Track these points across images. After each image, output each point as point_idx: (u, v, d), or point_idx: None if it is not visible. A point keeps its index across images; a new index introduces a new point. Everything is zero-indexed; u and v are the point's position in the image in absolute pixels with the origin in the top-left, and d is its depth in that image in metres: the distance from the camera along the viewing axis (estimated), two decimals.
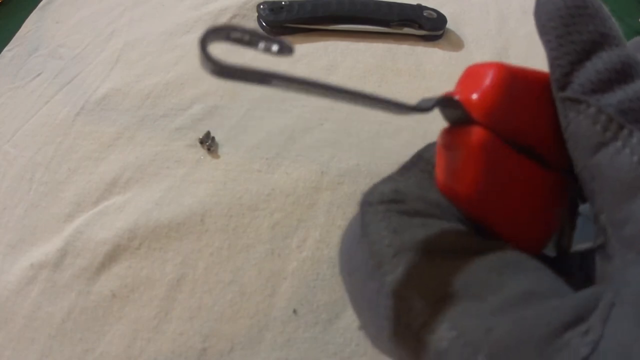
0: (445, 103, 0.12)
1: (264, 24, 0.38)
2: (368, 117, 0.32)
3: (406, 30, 0.38)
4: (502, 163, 0.12)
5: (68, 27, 0.39)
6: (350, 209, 0.28)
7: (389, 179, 0.14)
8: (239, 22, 0.39)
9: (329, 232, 0.27)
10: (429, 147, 0.15)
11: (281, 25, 0.38)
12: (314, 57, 0.37)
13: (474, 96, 0.12)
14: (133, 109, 0.33)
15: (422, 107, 0.12)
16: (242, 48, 0.11)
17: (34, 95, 0.34)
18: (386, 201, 0.13)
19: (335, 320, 0.24)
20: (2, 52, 0.37)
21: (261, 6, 0.38)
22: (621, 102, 0.11)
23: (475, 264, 0.12)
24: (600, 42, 0.12)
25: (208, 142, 0.30)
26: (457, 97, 0.12)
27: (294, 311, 0.24)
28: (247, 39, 0.10)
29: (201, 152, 0.30)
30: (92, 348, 0.23)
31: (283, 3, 0.38)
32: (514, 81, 0.12)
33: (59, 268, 0.25)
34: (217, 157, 0.30)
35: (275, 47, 0.11)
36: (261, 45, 0.11)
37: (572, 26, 0.12)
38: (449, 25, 0.39)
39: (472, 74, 0.13)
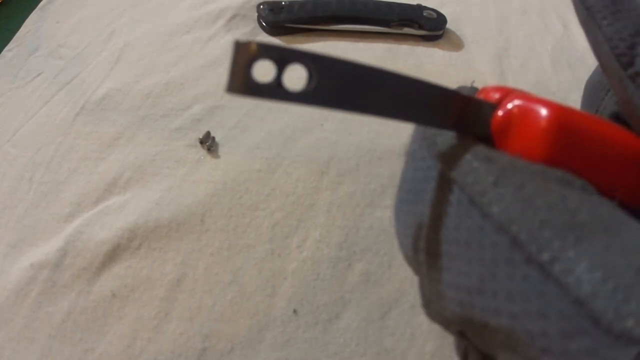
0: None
1: (264, 23, 0.38)
2: (368, 117, 0.32)
3: (406, 30, 0.38)
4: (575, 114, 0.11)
5: (68, 27, 0.39)
6: (350, 209, 0.28)
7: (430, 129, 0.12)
8: (239, 22, 0.39)
9: (329, 232, 0.27)
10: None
11: (281, 26, 0.38)
12: None
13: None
14: (133, 109, 0.33)
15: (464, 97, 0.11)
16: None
17: (34, 95, 0.34)
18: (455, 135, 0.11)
19: (335, 320, 0.24)
20: (2, 52, 0.37)
21: (261, 6, 0.38)
22: None
23: (595, 198, 0.09)
24: None
25: (208, 142, 0.30)
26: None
27: (294, 311, 0.24)
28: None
29: (201, 152, 0.30)
30: (92, 348, 0.23)
31: (283, 3, 0.38)
32: (568, 131, 0.11)
33: (59, 268, 0.25)
34: (217, 157, 0.30)
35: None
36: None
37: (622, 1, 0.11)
38: (449, 25, 0.39)
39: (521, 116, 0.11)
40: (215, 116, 0.32)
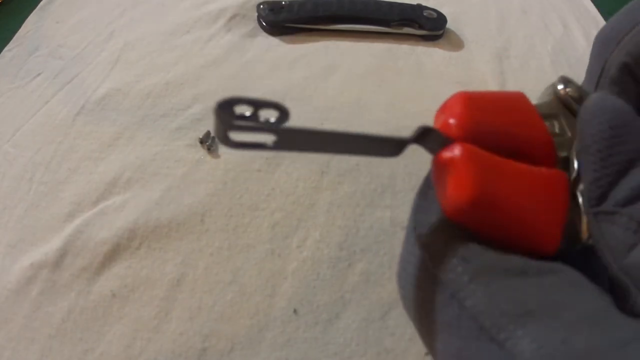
0: (423, 132, 0.13)
1: (264, 23, 0.38)
2: (368, 117, 0.32)
3: (406, 30, 0.38)
4: (494, 168, 0.13)
5: (68, 27, 0.39)
6: (350, 209, 0.28)
7: (422, 208, 0.15)
8: (239, 21, 0.39)
9: (329, 232, 0.27)
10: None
11: (281, 25, 0.38)
12: (314, 57, 0.37)
13: (448, 119, 0.13)
14: (133, 109, 0.33)
15: (403, 140, 0.13)
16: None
17: (34, 95, 0.34)
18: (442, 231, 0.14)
19: (335, 320, 0.24)
20: (2, 52, 0.37)
21: (261, 6, 0.38)
22: None
23: (545, 284, 0.13)
24: (636, 158, 0.13)
25: (208, 142, 0.30)
26: (432, 126, 0.13)
27: (294, 311, 0.24)
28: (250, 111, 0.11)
29: (201, 151, 0.30)
30: (92, 348, 0.23)
31: (283, 3, 0.38)
32: (475, 99, 0.14)
33: (58, 268, 0.25)
34: (217, 156, 0.30)
35: (272, 118, 0.12)
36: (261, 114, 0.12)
37: (613, 147, 0.13)
38: (449, 25, 0.39)
39: (440, 110, 0.14)
40: None
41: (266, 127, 0.11)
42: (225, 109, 0.11)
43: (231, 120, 0.11)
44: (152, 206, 0.27)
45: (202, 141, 0.30)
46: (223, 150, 0.30)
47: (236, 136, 0.11)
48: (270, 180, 0.29)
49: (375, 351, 0.23)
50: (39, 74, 0.36)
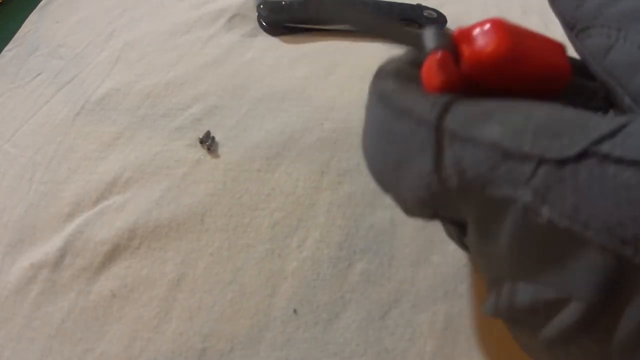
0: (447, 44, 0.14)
1: (264, 23, 0.38)
2: None
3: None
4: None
5: (68, 27, 0.39)
6: (350, 209, 0.28)
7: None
8: (239, 21, 0.39)
9: (329, 232, 0.27)
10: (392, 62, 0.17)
11: (281, 25, 0.38)
12: (314, 57, 0.37)
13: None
14: (133, 109, 0.33)
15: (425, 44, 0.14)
16: None
17: (33, 95, 0.34)
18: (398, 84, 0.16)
19: (335, 320, 0.24)
20: (2, 52, 0.37)
21: (261, 6, 0.38)
22: (619, 13, 0.15)
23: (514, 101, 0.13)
24: None
25: (208, 142, 0.30)
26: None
27: (294, 311, 0.24)
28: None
29: (201, 151, 0.30)
30: (92, 348, 0.23)
31: (283, 3, 0.38)
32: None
33: (58, 268, 0.25)
34: (217, 156, 0.30)
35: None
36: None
37: None
38: (449, 25, 0.39)
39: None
40: (215, 116, 0.32)
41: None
42: None
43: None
44: (152, 206, 0.27)
45: (202, 141, 0.30)
46: (223, 150, 0.30)
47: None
48: (270, 180, 0.29)
49: (376, 351, 0.23)
50: (39, 74, 0.36)
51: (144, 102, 0.33)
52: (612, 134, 0.11)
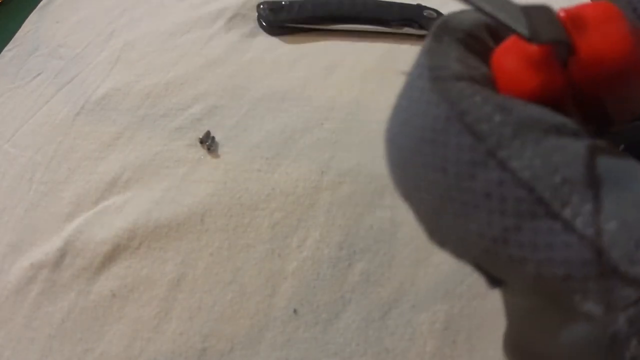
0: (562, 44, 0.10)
1: (264, 23, 0.38)
2: (368, 117, 0.32)
3: (406, 30, 0.38)
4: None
5: (68, 27, 0.39)
6: (350, 209, 0.28)
7: (436, 51, 0.11)
8: (239, 21, 0.39)
9: (329, 232, 0.27)
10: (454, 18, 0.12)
11: (281, 25, 0.38)
12: (314, 57, 0.36)
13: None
14: (133, 109, 0.33)
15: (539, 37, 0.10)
16: None
17: (34, 95, 0.34)
18: (466, 77, 0.11)
19: (335, 320, 0.24)
20: (2, 52, 0.37)
21: (261, 6, 0.38)
22: None
23: (607, 149, 0.10)
24: None
25: (208, 142, 0.30)
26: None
27: (294, 311, 0.24)
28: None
29: (201, 151, 0.30)
30: (92, 348, 0.23)
31: (283, 3, 0.38)
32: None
33: (58, 268, 0.25)
34: (217, 156, 0.30)
35: None
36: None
37: None
38: None
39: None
40: (215, 116, 0.32)
41: None
42: None
43: None
44: (152, 206, 0.27)
45: (202, 141, 0.30)
46: (223, 150, 0.30)
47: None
48: (270, 180, 0.29)
49: (376, 351, 0.23)
50: (39, 74, 0.36)
51: (144, 102, 0.33)
52: None
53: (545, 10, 0.10)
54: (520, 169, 0.09)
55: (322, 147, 0.30)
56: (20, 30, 0.39)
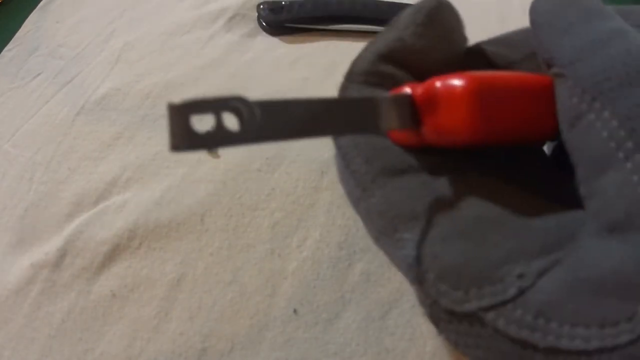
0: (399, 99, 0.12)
1: (264, 23, 0.38)
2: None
3: None
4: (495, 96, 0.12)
5: (68, 27, 0.39)
6: (350, 209, 0.28)
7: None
8: (239, 22, 0.39)
9: (329, 232, 0.27)
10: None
11: (281, 25, 0.38)
12: (314, 57, 0.37)
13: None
14: (133, 109, 0.33)
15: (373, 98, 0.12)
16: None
17: (33, 95, 0.34)
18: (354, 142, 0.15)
19: (335, 320, 0.24)
20: (2, 52, 0.37)
21: (261, 6, 0.38)
22: (600, 69, 0.11)
23: (443, 183, 0.13)
24: (583, 17, 0.13)
25: None
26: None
27: (294, 311, 0.24)
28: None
29: (201, 152, 0.30)
30: (92, 348, 0.23)
31: (283, 3, 0.38)
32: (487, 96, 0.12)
33: (58, 268, 0.25)
34: (217, 156, 0.30)
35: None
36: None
37: (556, 10, 0.13)
38: None
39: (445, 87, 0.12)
40: None
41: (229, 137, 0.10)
42: (185, 117, 0.09)
43: (190, 129, 0.10)
44: (152, 206, 0.28)
45: None
46: (223, 150, 0.30)
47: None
48: (270, 180, 0.29)
49: (375, 351, 0.23)
50: (39, 74, 0.36)
51: (144, 102, 0.33)
52: (505, 302, 0.11)
53: (398, 101, 0.12)
54: (376, 203, 0.13)
55: (322, 147, 0.30)
56: (20, 30, 0.39)
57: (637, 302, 0.10)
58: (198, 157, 0.30)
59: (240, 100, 0.10)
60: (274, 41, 0.38)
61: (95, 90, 0.34)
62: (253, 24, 0.39)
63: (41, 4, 0.41)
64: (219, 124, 0.10)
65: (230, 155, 0.30)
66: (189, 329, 0.24)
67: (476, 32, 0.42)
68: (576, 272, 0.11)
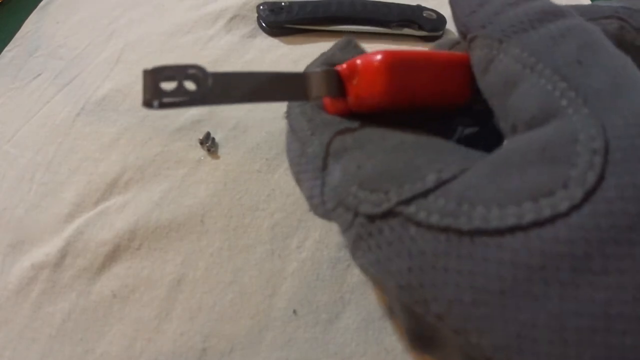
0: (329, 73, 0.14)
1: (264, 24, 0.38)
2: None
3: (406, 31, 0.38)
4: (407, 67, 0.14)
5: (68, 27, 0.39)
6: None
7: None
8: (239, 22, 0.39)
9: (329, 232, 0.27)
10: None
11: (281, 26, 0.38)
12: (313, 57, 0.36)
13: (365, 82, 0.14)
14: (133, 110, 0.33)
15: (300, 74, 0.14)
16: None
17: (34, 95, 0.34)
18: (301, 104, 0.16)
19: (335, 320, 0.24)
20: (2, 53, 0.37)
21: (261, 7, 0.38)
22: (508, 22, 0.13)
23: (362, 128, 0.14)
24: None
25: (208, 143, 0.30)
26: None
27: (294, 311, 0.24)
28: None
29: (201, 152, 0.30)
30: (92, 348, 0.23)
31: (283, 4, 0.38)
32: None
33: (59, 268, 0.26)
34: (217, 157, 0.30)
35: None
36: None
37: None
38: (449, 25, 0.39)
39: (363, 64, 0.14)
40: (215, 117, 0.32)
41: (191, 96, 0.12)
42: (155, 77, 0.11)
43: (159, 86, 0.12)
44: (153, 207, 0.28)
45: (202, 142, 0.30)
46: (223, 151, 0.30)
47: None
48: (270, 180, 0.29)
49: (375, 351, 0.23)
50: (39, 75, 0.36)
51: None
52: (426, 193, 0.11)
53: (325, 73, 0.14)
54: (313, 151, 0.14)
55: None
56: (20, 30, 0.39)
57: (569, 166, 0.10)
58: (198, 158, 0.30)
59: (198, 68, 0.12)
60: (273, 42, 0.38)
61: (95, 90, 0.34)
62: (253, 25, 0.39)
63: (41, 4, 0.41)
64: (180, 85, 0.12)
65: (230, 156, 0.30)
66: (190, 329, 0.24)
67: None
68: (498, 158, 0.11)
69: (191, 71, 0.12)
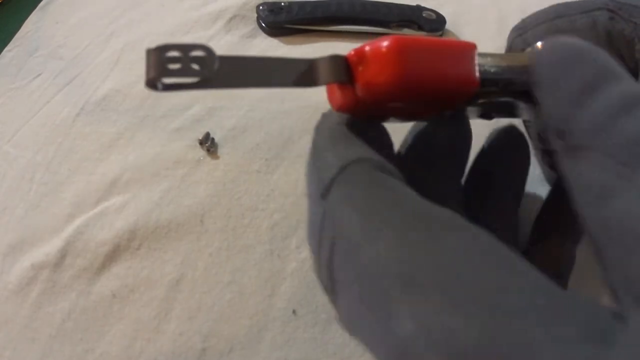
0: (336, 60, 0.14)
1: (264, 24, 0.38)
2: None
3: (406, 31, 0.38)
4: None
5: (68, 27, 0.39)
6: None
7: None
8: (239, 23, 0.39)
9: None
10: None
11: (280, 26, 0.38)
12: None
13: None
14: (133, 110, 0.33)
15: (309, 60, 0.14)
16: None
17: (34, 95, 0.34)
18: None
19: (334, 320, 0.24)
20: (2, 53, 0.37)
21: (260, 7, 0.38)
22: (629, 138, 0.10)
23: (448, 243, 0.11)
24: (596, 81, 0.11)
25: (207, 143, 0.30)
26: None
27: (294, 311, 0.24)
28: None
29: (201, 152, 0.30)
30: (92, 348, 0.23)
31: (282, 4, 0.38)
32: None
33: (59, 268, 0.26)
34: (217, 157, 0.30)
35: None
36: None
37: (566, 71, 0.12)
38: (448, 25, 0.39)
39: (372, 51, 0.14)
40: (214, 117, 0.32)
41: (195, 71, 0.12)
42: (160, 55, 0.11)
43: (164, 65, 0.11)
44: (152, 207, 0.28)
45: (201, 142, 0.30)
46: (222, 151, 0.30)
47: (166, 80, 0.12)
48: (270, 181, 0.29)
49: None
50: (39, 75, 0.36)
51: (144, 103, 0.33)
52: None
53: (333, 59, 0.14)
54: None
55: None
56: (20, 30, 0.39)
57: None
58: (197, 158, 0.30)
59: (205, 48, 0.11)
60: (273, 42, 0.38)
61: (95, 91, 0.34)
62: (253, 25, 0.39)
63: (41, 4, 0.41)
64: (186, 64, 0.11)
65: (229, 156, 0.30)
66: (189, 329, 0.24)
67: (476, 32, 0.43)
68: None
69: (197, 52, 0.11)
